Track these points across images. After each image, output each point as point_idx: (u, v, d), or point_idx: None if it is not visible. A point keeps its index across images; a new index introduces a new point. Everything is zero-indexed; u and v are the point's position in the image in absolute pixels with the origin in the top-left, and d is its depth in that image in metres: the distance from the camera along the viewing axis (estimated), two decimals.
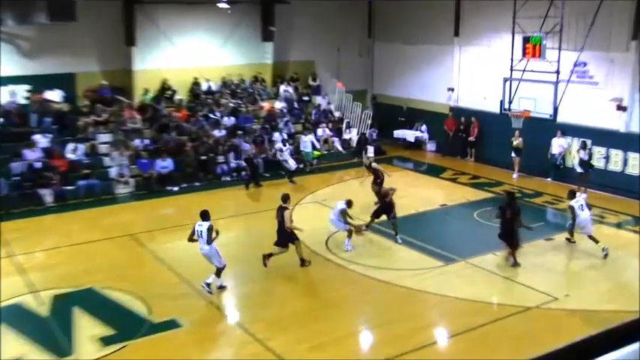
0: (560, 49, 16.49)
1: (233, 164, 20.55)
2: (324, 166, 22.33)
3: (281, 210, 12.58)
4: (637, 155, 18.08)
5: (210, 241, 11.43)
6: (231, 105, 23.01)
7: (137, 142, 20.01)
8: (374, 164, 17.26)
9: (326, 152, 23.12)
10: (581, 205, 13.58)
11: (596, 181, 18.31)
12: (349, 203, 13.86)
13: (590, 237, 13.49)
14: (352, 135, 24.48)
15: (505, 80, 18.12)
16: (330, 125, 24.06)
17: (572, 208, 13.58)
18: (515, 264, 12.91)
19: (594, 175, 18.29)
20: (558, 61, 16.40)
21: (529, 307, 11.13)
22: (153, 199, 18.30)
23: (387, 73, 27.22)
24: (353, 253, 13.67)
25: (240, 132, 21.39)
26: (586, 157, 18.29)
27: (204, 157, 20.15)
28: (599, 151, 18.85)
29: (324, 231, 14.83)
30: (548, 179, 19.84)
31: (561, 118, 18.81)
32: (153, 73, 22.32)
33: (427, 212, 16.79)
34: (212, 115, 22.24)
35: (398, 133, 25.71)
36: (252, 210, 17.09)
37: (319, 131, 23.28)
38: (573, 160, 19.33)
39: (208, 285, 11.50)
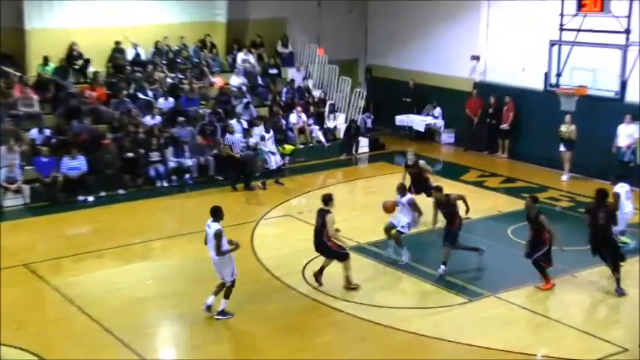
0: None
1: (172, 164, 20.42)
2: (300, 166, 22.24)
3: (322, 214, 13.18)
4: None
5: (219, 251, 12.03)
6: (169, 81, 22.83)
7: (34, 132, 19.74)
8: (422, 162, 17.31)
9: (302, 146, 23.06)
10: (627, 191, 14.15)
11: None
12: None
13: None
14: (338, 122, 24.44)
15: (552, 44, 18.21)
16: (307, 109, 24.01)
17: (617, 196, 13.90)
18: (620, 292, 13.28)
19: None
20: (629, 15, 16.45)
21: None
22: (57, 214, 18.08)
23: (387, 36, 27.26)
24: (341, 287, 13.61)
25: (181, 118, 21.27)
26: None
27: (131, 155, 20.00)
28: None
29: (301, 256, 14.75)
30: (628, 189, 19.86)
31: (632, 97, 18.95)
32: (55, 34, 22.10)
33: (442, 230, 16.76)
34: (142, 95, 22.10)
35: (401, 120, 25.76)
36: (201, 227, 16.77)
37: (292, 117, 23.25)
38: None
39: (222, 313, 12.24)
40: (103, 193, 19.31)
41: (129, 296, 13.25)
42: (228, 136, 20.69)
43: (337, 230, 13.32)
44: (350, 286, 13.50)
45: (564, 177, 20.76)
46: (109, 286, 13.76)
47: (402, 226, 14.75)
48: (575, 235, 16.28)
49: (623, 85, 16.87)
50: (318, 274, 13.60)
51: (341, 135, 24.22)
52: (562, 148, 20.72)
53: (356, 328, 12.24)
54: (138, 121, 20.84)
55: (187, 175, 20.50)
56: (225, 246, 12.12)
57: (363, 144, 24.15)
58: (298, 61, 26.11)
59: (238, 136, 20.83)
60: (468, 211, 14.93)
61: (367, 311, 12.73)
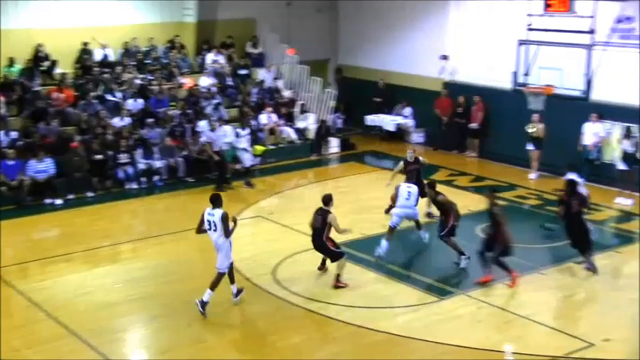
0: None
1: (142, 165, 20.31)
2: (270, 167, 22.22)
3: (322, 214, 13.47)
4: None
5: (228, 233, 12.36)
6: (138, 82, 22.72)
7: None
8: (422, 159, 17.58)
9: (273, 147, 23.05)
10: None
11: None
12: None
13: None
14: (309, 122, 24.46)
15: (520, 44, 18.39)
16: (277, 109, 24.00)
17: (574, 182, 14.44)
18: (593, 269, 13.97)
19: None
20: (593, 15, 16.67)
21: (555, 357, 11.20)
22: (24, 218, 17.91)
23: (357, 36, 27.33)
24: (312, 287, 13.63)
25: (150, 120, 21.18)
26: (631, 149, 18.68)
27: (99, 157, 19.87)
28: None
29: (272, 257, 14.75)
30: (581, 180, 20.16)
31: (597, 96, 19.19)
32: (20, 35, 21.89)
33: (411, 229, 16.85)
34: (110, 97, 21.95)
35: (372, 120, 25.83)
36: (174, 228, 16.94)
37: (263, 117, 23.23)
38: (613, 154, 19.73)
39: (238, 293, 12.86)
40: (71, 196, 19.14)
41: (98, 300, 13.14)
42: (208, 133, 20.58)
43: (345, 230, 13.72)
44: (339, 284, 13.65)
45: (532, 175, 20.94)
46: (77, 290, 13.65)
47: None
48: (543, 233, 16.53)
49: (589, 84, 17.08)
50: (322, 266, 14.23)
51: (311, 135, 24.23)
52: (530, 146, 20.90)
53: (328, 329, 12.27)
54: (106, 123, 20.69)
55: (157, 177, 20.42)
56: (230, 227, 12.47)
57: (334, 144, 24.19)
58: (268, 61, 26.08)
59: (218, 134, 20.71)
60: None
61: (339, 312, 12.74)
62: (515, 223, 17.25)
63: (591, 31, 16.66)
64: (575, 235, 14.17)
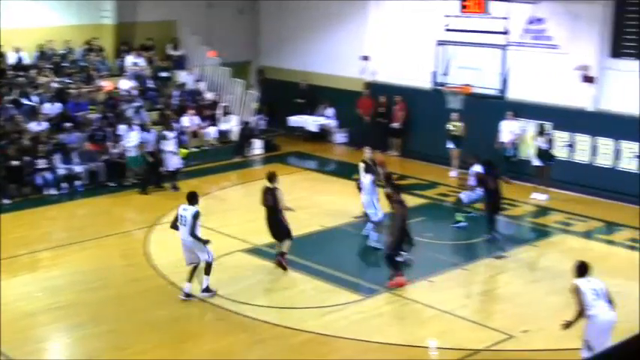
0: (509, 0, 17.23)
1: (62, 170, 19.93)
2: (194, 170, 22.08)
3: (270, 192, 14.00)
4: (609, 141, 19.26)
5: (193, 232, 12.76)
6: (55, 85, 22.28)
7: None
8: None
9: (196, 149, 22.92)
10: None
11: (558, 177, 19.30)
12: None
13: None
14: (232, 124, 24.40)
15: (438, 44, 18.71)
16: (200, 112, 23.87)
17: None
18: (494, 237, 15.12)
19: (556, 169, 19.25)
20: (507, 17, 17.11)
21: (477, 350, 11.50)
22: None
23: (279, 37, 27.37)
24: (238, 290, 13.63)
25: (69, 124, 20.79)
26: (545, 146, 19.24)
27: (16, 163, 19.40)
28: (561, 138, 19.92)
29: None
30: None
31: (512, 95, 19.69)
32: None
33: (337, 228, 17.00)
34: (26, 101, 21.45)
35: (295, 121, 25.91)
36: (96, 234, 16.72)
37: (185, 120, 23.06)
38: (529, 150, 20.30)
39: (207, 290, 13.14)
40: None
41: (18, 310, 12.80)
42: (143, 134, 20.32)
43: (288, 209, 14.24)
44: (283, 263, 14.27)
45: (453, 173, 21.31)
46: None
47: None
48: (464, 229, 16.91)
49: (504, 83, 17.52)
50: (280, 261, 14.31)
51: (235, 137, 24.17)
52: (450, 145, 21.26)
53: (254, 331, 12.29)
54: (22, 128, 20.22)
55: (78, 182, 20.06)
56: (199, 231, 12.87)
57: (257, 146, 24.19)
58: (190, 63, 25.90)
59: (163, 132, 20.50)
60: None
61: (266, 313, 12.79)
62: (437, 220, 17.74)
63: (505, 32, 17.09)
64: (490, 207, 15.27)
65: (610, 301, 10.04)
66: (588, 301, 9.85)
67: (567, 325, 10.13)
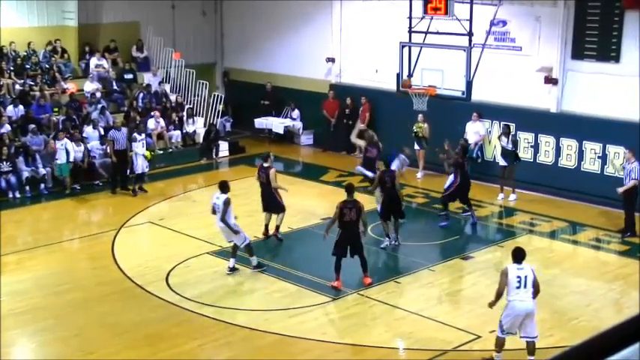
0: (472, 2, 17.34)
1: (26, 173, 19.65)
2: (159, 172, 21.93)
3: (264, 170, 15.48)
4: (572, 142, 19.50)
5: (223, 217, 13.62)
6: (18, 87, 21.97)
7: None
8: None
9: (161, 152, 22.77)
10: None
11: (523, 178, 19.48)
12: None
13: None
14: (197, 126, 24.28)
15: (403, 46, 18.75)
16: (165, 114, 23.72)
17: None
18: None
19: (520, 170, 19.42)
20: (470, 19, 17.22)
21: (445, 350, 11.59)
22: None
23: (243, 39, 27.29)
24: (206, 292, 13.58)
25: (32, 126, 20.50)
26: (510, 146, 19.41)
27: None
28: (525, 138, 20.12)
29: (164, 263, 14.63)
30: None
31: (477, 96, 19.74)
32: None
33: (305, 230, 17.00)
34: None
35: (260, 122, 25.85)
36: (62, 237, 16.60)
37: (150, 122, 22.88)
38: (494, 151, 20.48)
39: (258, 266, 14.30)
40: None
41: None
42: (112, 132, 20.10)
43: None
44: (277, 235, 15.82)
45: (419, 174, 21.42)
46: None
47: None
48: (431, 230, 17.02)
49: (469, 85, 17.58)
50: (266, 232, 15.88)
51: (200, 139, 24.05)
52: (416, 146, 21.35)
53: (222, 333, 12.27)
54: None
55: (42, 185, 19.78)
56: (231, 218, 13.76)
57: (223, 148, 24.08)
58: (154, 65, 25.73)
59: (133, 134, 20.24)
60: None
61: (233, 315, 12.81)
62: (405, 221, 17.76)
63: (469, 34, 17.17)
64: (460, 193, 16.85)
65: (535, 291, 10.59)
66: (510, 287, 10.53)
67: (490, 305, 11.04)
